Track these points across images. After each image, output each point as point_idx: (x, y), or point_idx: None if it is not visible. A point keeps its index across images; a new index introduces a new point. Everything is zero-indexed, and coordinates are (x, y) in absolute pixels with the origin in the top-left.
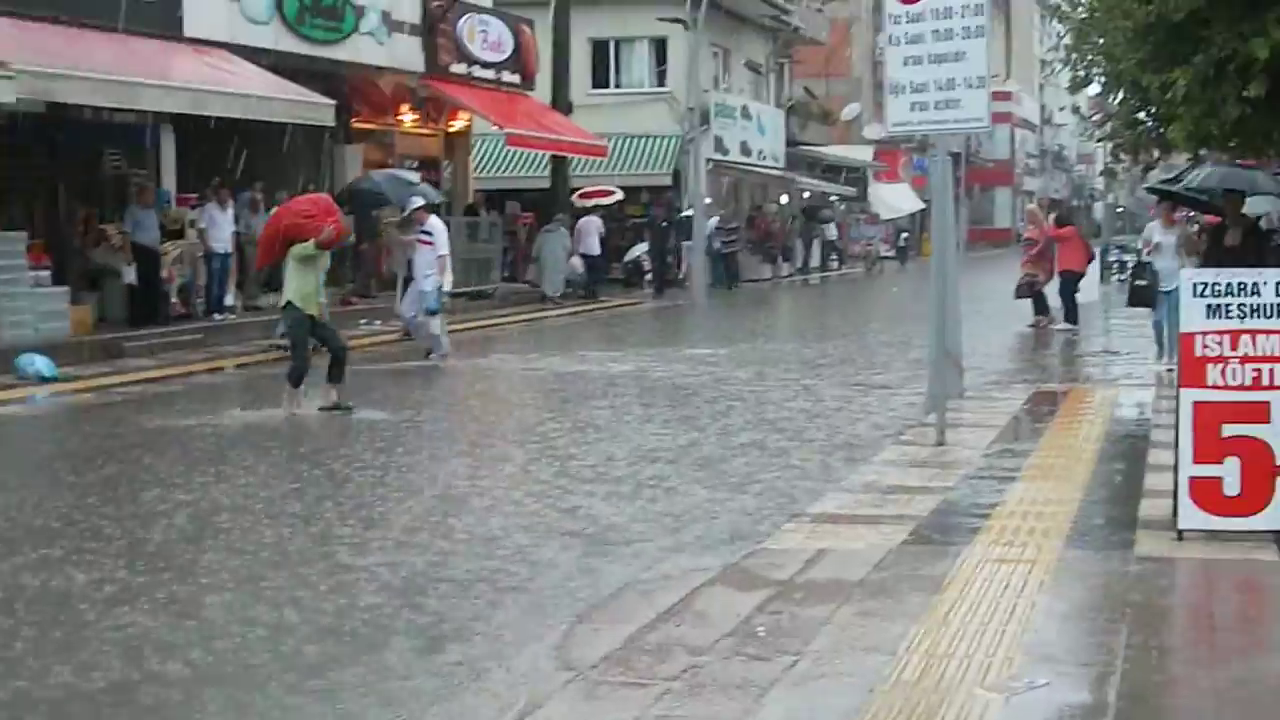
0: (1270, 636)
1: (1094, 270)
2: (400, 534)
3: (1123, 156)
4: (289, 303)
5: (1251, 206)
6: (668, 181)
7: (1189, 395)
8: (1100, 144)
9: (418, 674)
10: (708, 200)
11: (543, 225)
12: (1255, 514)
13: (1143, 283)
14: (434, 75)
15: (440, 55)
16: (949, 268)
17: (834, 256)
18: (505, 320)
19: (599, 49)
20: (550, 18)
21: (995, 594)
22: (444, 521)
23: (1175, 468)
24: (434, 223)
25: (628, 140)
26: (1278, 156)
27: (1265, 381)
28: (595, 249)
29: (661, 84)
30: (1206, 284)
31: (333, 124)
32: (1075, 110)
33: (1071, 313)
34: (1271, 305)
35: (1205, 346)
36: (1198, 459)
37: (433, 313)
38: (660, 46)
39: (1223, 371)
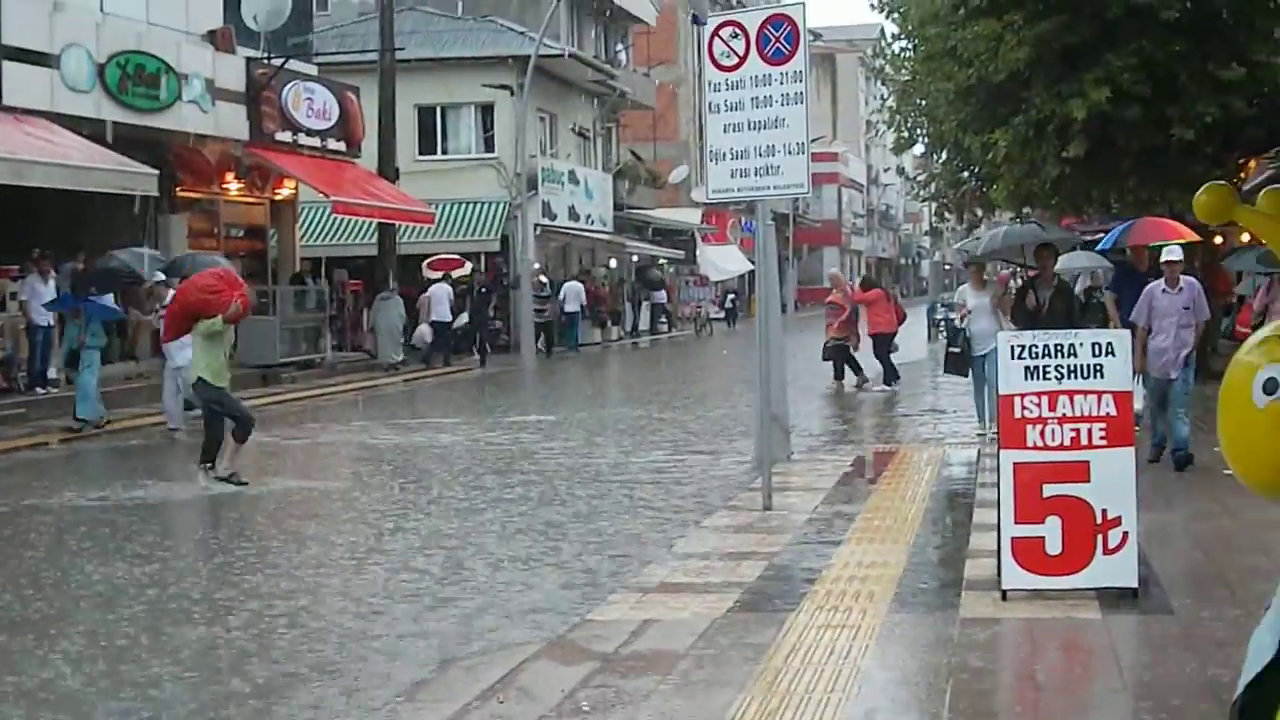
0: (1093, 696)
1: (920, 328)
2: (211, 614)
3: (947, 215)
4: (200, 379)
5: (1066, 263)
6: (496, 247)
7: (1009, 456)
8: (926, 203)
9: None
10: (535, 265)
11: (375, 294)
12: (1077, 572)
13: (957, 350)
14: (259, 143)
15: (265, 123)
16: (774, 332)
17: (664, 319)
18: (335, 389)
19: (425, 115)
20: (376, 85)
21: (821, 660)
22: (247, 603)
23: (998, 528)
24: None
25: (456, 206)
26: (1097, 215)
27: (1084, 441)
28: (446, 316)
29: (489, 150)
30: (1024, 346)
31: (156, 193)
32: (900, 171)
33: (890, 373)
34: (1087, 365)
35: (1024, 408)
36: (1019, 519)
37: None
38: (487, 112)
39: (1042, 432)
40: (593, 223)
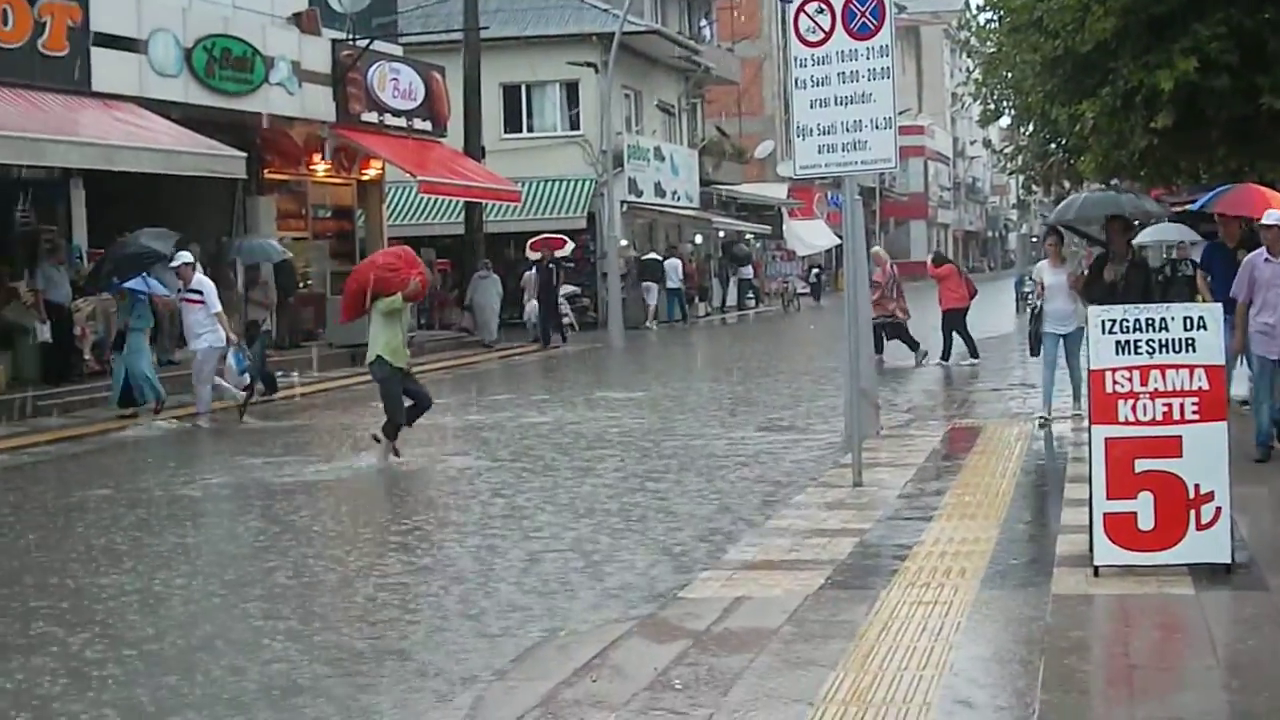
0: (1186, 673)
1: (1008, 302)
2: (304, 592)
3: (1035, 188)
4: (379, 357)
5: (1157, 235)
6: (582, 224)
7: (1101, 431)
8: (1012, 176)
9: None
10: (624, 242)
11: (473, 272)
12: (1169, 548)
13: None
14: (345, 124)
15: (351, 104)
16: (863, 308)
17: (750, 295)
18: (424, 368)
19: (510, 94)
20: (461, 64)
21: (913, 638)
22: (356, 574)
23: (1090, 504)
24: (201, 280)
25: (542, 184)
26: (1186, 185)
27: (1176, 416)
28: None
29: (574, 127)
30: (1115, 320)
31: (244, 176)
32: (987, 143)
33: (971, 347)
34: (1179, 340)
35: (1115, 383)
36: (1111, 495)
37: (244, 370)
38: (572, 90)
39: (1133, 407)
40: (679, 199)
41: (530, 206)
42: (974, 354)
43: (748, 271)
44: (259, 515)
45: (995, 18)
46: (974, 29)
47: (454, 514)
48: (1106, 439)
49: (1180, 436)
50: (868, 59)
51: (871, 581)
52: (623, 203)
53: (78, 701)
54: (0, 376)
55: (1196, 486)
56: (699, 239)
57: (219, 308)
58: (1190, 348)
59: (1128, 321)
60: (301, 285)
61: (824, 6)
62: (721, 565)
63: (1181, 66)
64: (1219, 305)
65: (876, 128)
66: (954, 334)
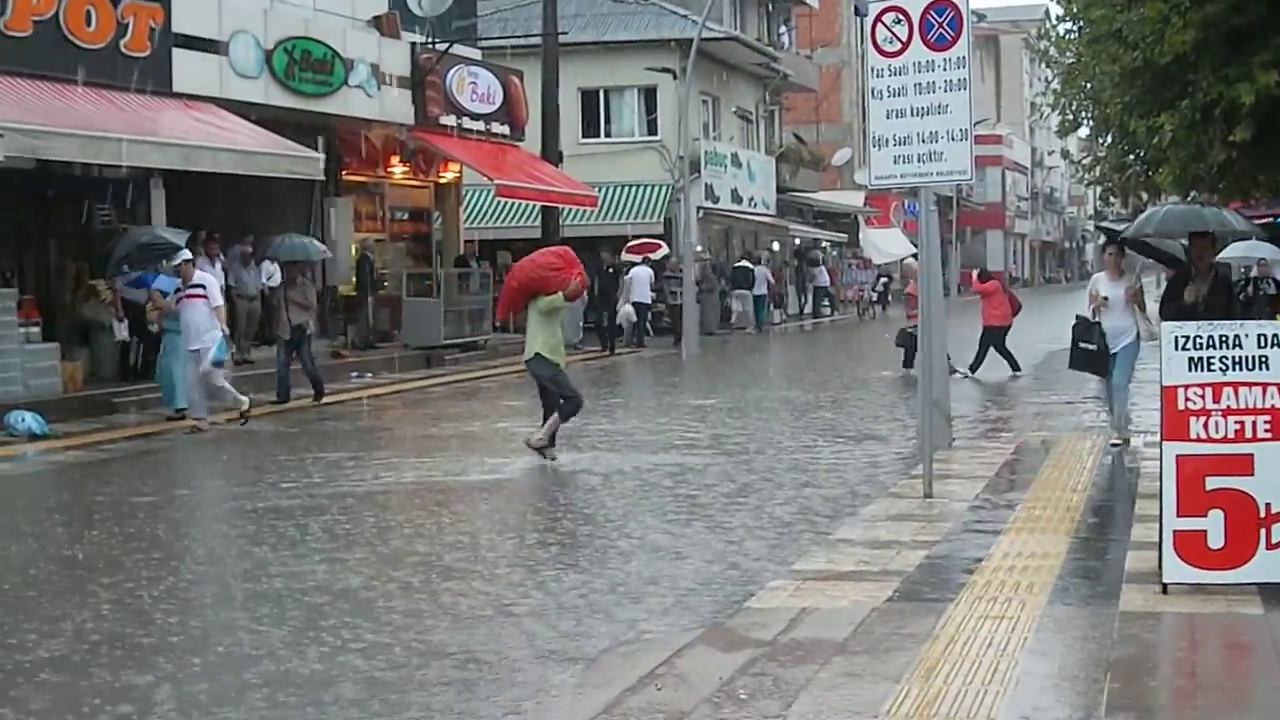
0: (1253, 694)
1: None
2: (364, 591)
3: (1112, 199)
4: (538, 354)
5: (1243, 252)
6: (659, 230)
7: (1172, 449)
8: (1090, 187)
9: None
10: (698, 247)
11: None
12: (1239, 567)
13: (1089, 346)
14: (423, 127)
15: (429, 107)
16: (937, 320)
17: (826, 302)
18: (496, 371)
19: (588, 98)
20: (540, 68)
21: (979, 652)
22: (416, 583)
23: (1160, 521)
24: (204, 276)
25: (618, 189)
26: (1265, 200)
27: (1248, 434)
28: (646, 298)
29: (652, 133)
30: (1188, 337)
31: (322, 177)
32: (1065, 154)
33: (1012, 363)
34: (1253, 357)
35: (1188, 400)
36: (1181, 512)
37: (219, 364)
38: (650, 95)
39: (1205, 424)
40: (755, 205)
41: (606, 211)
42: (1015, 368)
43: (823, 279)
44: (425, 516)
45: (1074, 28)
46: (1053, 39)
47: (529, 515)
48: (1177, 456)
49: (1252, 455)
50: (944, 70)
51: (939, 595)
52: (699, 209)
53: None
54: (78, 373)
55: (1268, 505)
56: (775, 246)
57: (220, 302)
58: (1264, 365)
59: (1201, 338)
60: (379, 287)
61: (901, 17)
62: (789, 575)
63: (1262, 80)
64: None
65: (952, 139)
66: (990, 349)
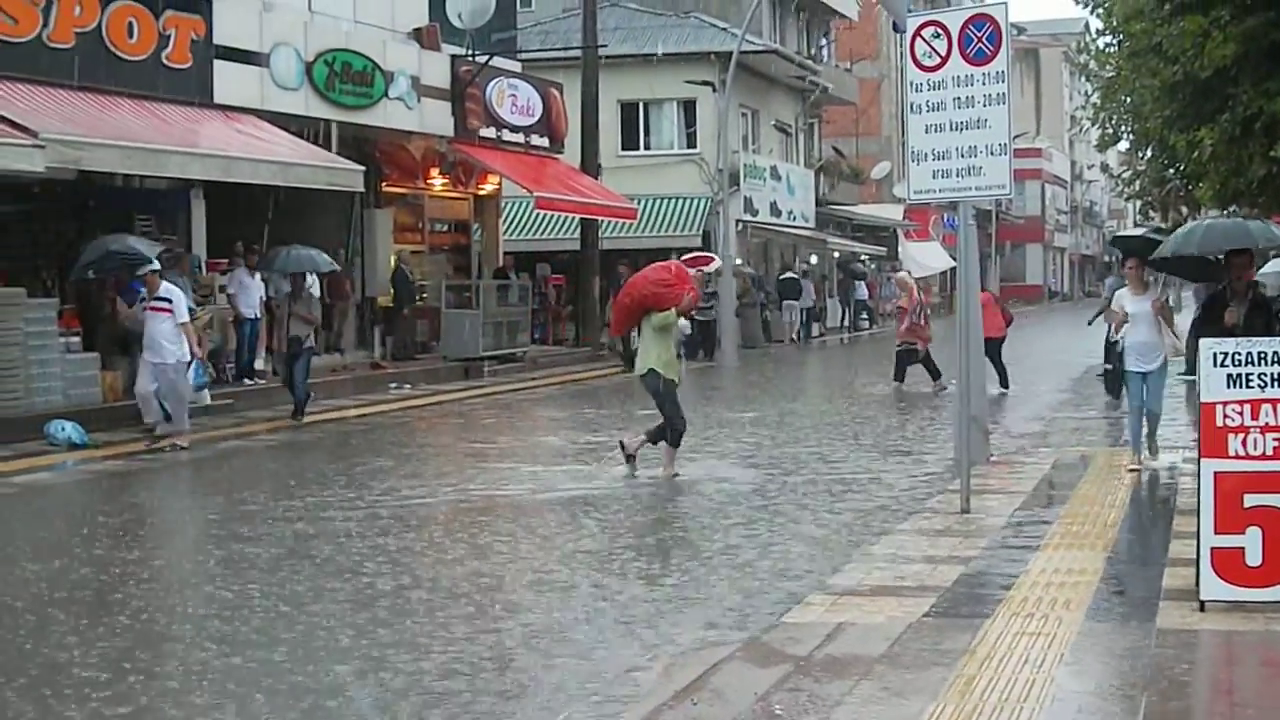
0: None
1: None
2: (400, 604)
3: (1152, 214)
4: (651, 370)
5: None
6: (698, 242)
7: (1210, 465)
8: (1130, 201)
9: None
10: (738, 260)
11: (610, 287)
12: (1277, 584)
13: (1112, 366)
14: (463, 139)
15: (469, 119)
16: (974, 335)
17: (865, 315)
18: (535, 384)
19: (628, 111)
20: (579, 81)
21: (1015, 669)
22: (444, 593)
23: (1198, 537)
24: (170, 289)
25: (657, 201)
26: None
27: None
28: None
29: (691, 145)
30: (1227, 354)
31: (362, 189)
32: (1104, 167)
33: (1003, 377)
34: None
35: (1226, 417)
36: (1219, 529)
37: (201, 388)
38: (689, 108)
39: (1244, 441)
40: (794, 218)
41: (646, 224)
42: (1004, 384)
43: (863, 292)
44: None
45: (1114, 42)
46: (1093, 53)
47: (569, 531)
48: (1215, 473)
49: None
50: (984, 85)
51: (975, 610)
52: (738, 222)
53: None
54: (117, 383)
55: None
56: (814, 259)
57: (187, 318)
58: None
59: (1240, 355)
60: (418, 298)
61: (940, 31)
62: (826, 590)
63: None
64: None
65: (991, 154)
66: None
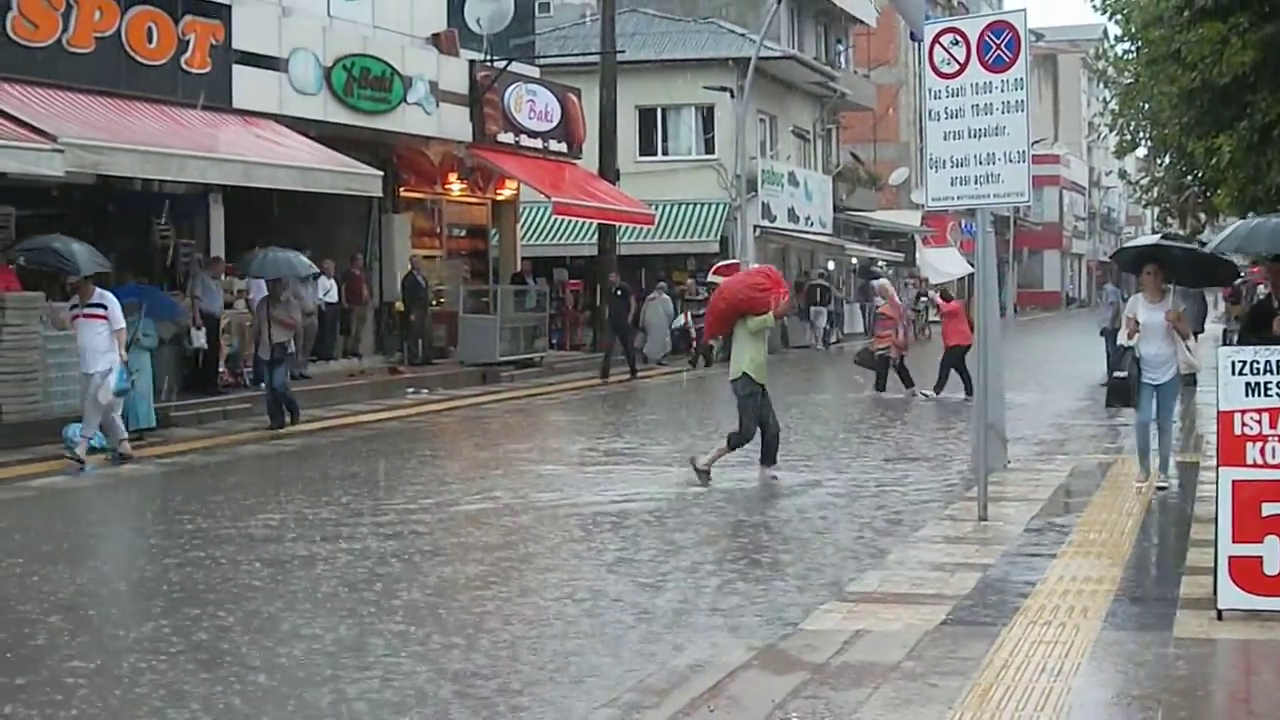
0: None
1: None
2: (433, 616)
3: (1170, 220)
4: (744, 374)
5: None
6: (715, 248)
7: (1228, 474)
8: (1148, 208)
9: None
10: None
11: (644, 294)
12: None
13: (1123, 375)
14: (481, 144)
15: (487, 125)
16: (992, 343)
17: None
18: (553, 389)
19: (646, 116)
20: (597, 86)
21: (1033, 677)
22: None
23: (1215, 546)
24: (105, 295)
25: (675, 207)
26: None
27: None
28: None
29: (709, 151)
30: (1245, 362)
31: (380, 194)
32: (1122, 174)
33: (968, 385)
34: None
35: (1244, 425)
36: (1237, 538)
37: (122, 394)
38: (707, 114)
39: (1262, 450)
40: (812, 224)
41: (663, 229)
42: (969, 391)
43: (879, 300)
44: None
45: (1133, 48)
46: (1111, 59)
47: (591, 536)
48: (1234, 481)
49: None
50: (1002, 92)
51: (993, 618)
52: (756, 227)
53: None
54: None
55: None
56: (831, 265)
57: (122, 324)
58: None
59: (1259, 363)
60: (435, 303)
61: (959, 38)
62: (843, 597)
63: None
64: None
65: (1010, 161)
66: (952, 370)
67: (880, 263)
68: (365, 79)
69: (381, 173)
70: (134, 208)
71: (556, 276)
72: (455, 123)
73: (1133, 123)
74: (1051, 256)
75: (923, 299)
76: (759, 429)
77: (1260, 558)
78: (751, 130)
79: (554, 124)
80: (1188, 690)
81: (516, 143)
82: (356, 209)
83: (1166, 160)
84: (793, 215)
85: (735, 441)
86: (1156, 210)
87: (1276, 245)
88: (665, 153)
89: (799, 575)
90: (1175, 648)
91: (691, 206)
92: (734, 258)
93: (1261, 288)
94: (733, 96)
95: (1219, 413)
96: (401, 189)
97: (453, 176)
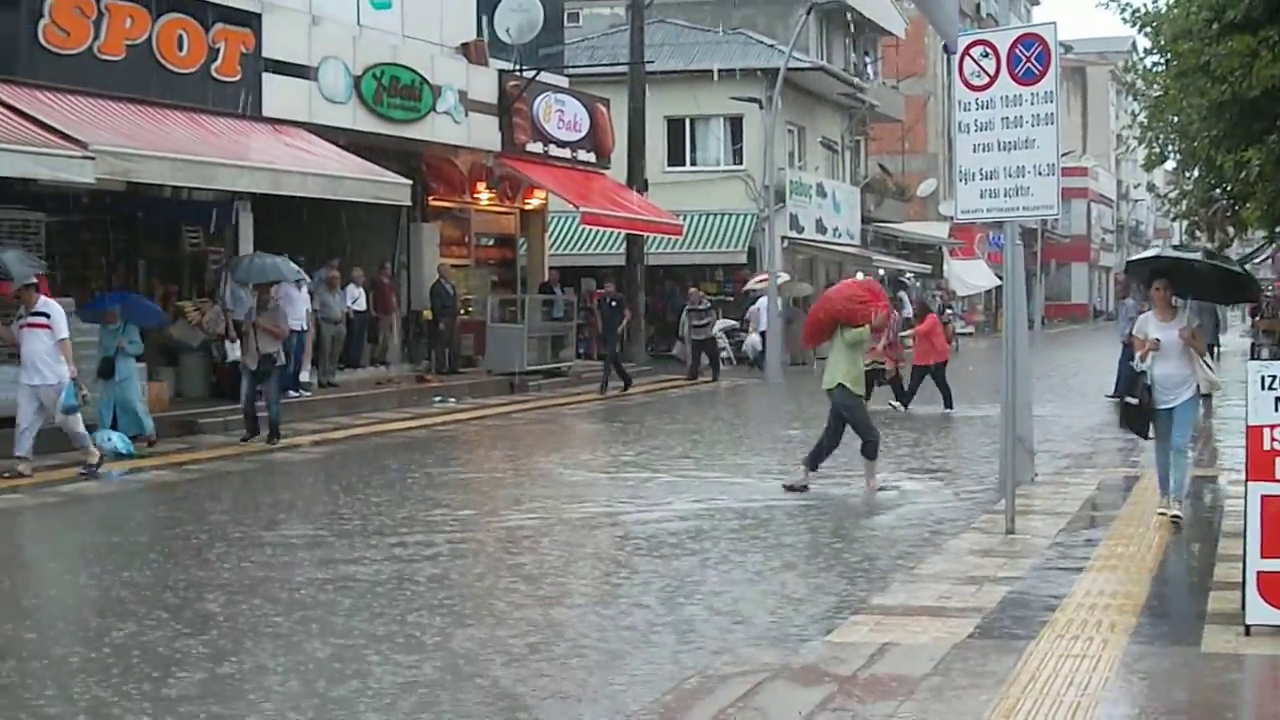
0: None
1: None
2: (479, 609)
3: (1199, 234)
4: (840, 384)
5: None
6: (743, 259)
7: (1257, 489)
8: (1176, 221)
9: None
10: (785, 276)
11: (684, 306)
12: None
13: (1135, 401)
14: (510, 154)
15: (516, 134)
16: (1020, 355)
17: (908, 333)
18: (579, 399)
19: (674, 127)
20: (626, 96)
21: (1060, 692)
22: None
23: (1244, 561)
24: (49, 303)
25: (703, 218)
26: None
27: None
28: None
29: (737, 162)
30: (1275, 376)
31: (409, 203)
32: (1150, 187)
33: (947, 398)
34: None
35: (1274, 440)
36: (1265, 553)
37: (71, 410)
38: (736, 124)
39: None
40: (840, 236)
41: (691, 240)
42: (948, 405)
43: (908, 309)
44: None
45: (1162, 61)
46: (1140, 72)
47: (628, 549)
48: (1263, 496)
49: None
50: (1032, 104)
51: (1020, 632)
52: (784, 238)
53: None
54: (164, 393)
55: None
56: (859, 277)
57: (66, 334)
58: None
59: None
60: (463, 312)
61: (989, 51)
62: (870, 610)
63: None
64: None
65: (1039, 174)
66: (927, 381)
67: (907, 275)
68: (395, 88)
69: (410, 181)
70: (163, 215)
71: (584, 286)
72: (484, 132)
73: (1161, 135)
74: (1079, 269)
75: (948, 310)
76: (831, 438)
77: None
78: (780, 141)
79: (583, 134)
80: (1215, 706)
81: (545, 152)
82: (385, 218)
83: (1195, 173)
84: (821, 226)
85: (869, 450)
86: (1185, 224)
87: None
88: (693, 163)
89: (825, 586)
90: (1203, 663)
91: (719, 217)
92: (763, 270)
93: None
94: (761, 107)
95: (1248, 427)
96: (430, 198)
97: (481, 186)
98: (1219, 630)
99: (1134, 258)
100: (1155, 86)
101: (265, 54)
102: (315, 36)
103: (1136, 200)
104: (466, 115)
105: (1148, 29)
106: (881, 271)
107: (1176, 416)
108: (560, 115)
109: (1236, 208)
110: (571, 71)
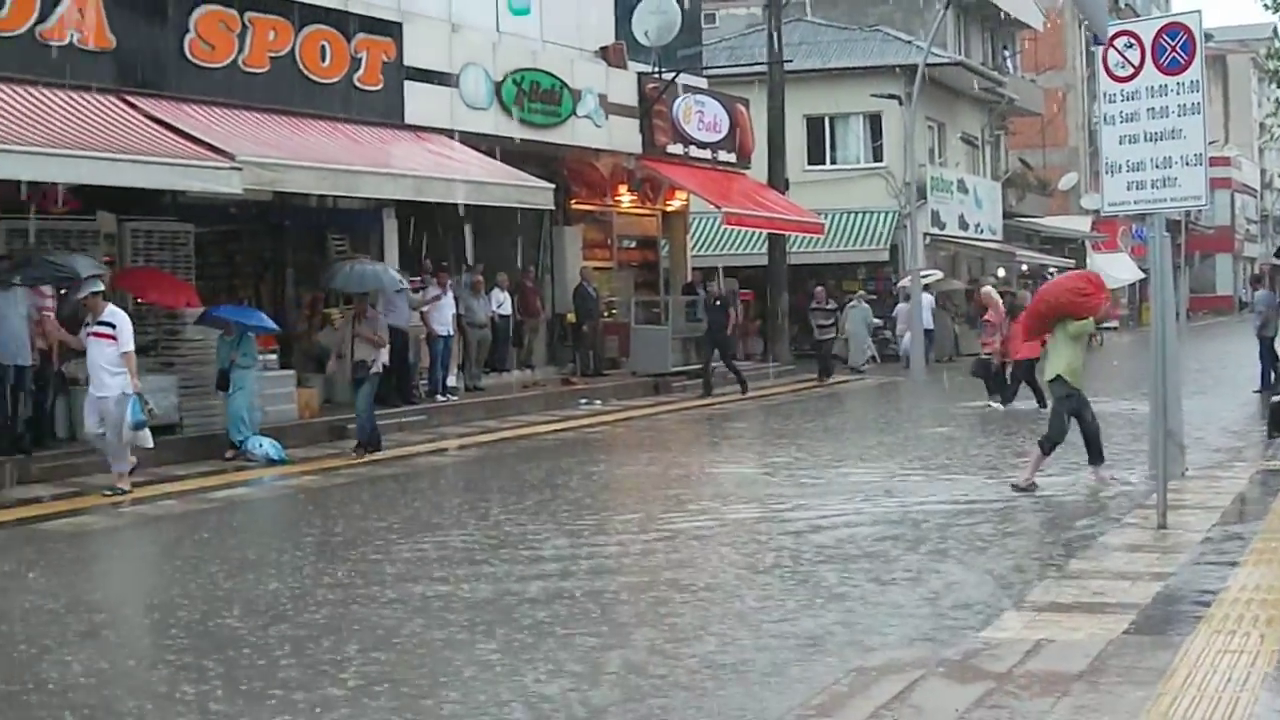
0: None
1: None
2: (610, 618)
3: None
4: (1059, 376)
5: None
6: (885, 257)
7: None
8: None
9: None
10: (933, 273)
11: (844, 301)
12: None
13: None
14: (651, 156)
15: (657, 136)
16: (1169, 347)
17: None
18: (723, 400)
19: (814, 126)
20: (765, 96)
21: (1218, 688)
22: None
23: None
24: (116, 313)
25: (844, 216)
26: None
27: None
28: (929, 323)
29: (877, 159)
30: None
31: (552, 207)
32: None
33: (1039, 396)
34: None
35: None
36: None
37: (140, 426)
38: (875, 122)
39: None
40: (982, 231)
41: (833, 238)
42: (1041, 403)
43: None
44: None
45: None
46: None
47: (775, 549)
48: None
49: None
50: (1178, 94)
51: (1175, 628)
52: (926, 235)
53: None
54: (313, 400)
55: None
56: (1001, 272)
57: (130, 347)
58: None
59: None
60: (606, 314)
61: (1133, 41)
62: (1024, 606)
63: None
64: None
65: (1186, 164)
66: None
67: (1051, 269)
68: (535, 93)
69: (553, 185)
70: (309, 223)
71: (726, 286)
72: (624, 135)
73: None
74: (1223, 260)
75: None
76: (1086, 434)
77: None
78: (920, 137)
79: (723, 134)
80: None
81: (685, 154)
82: (528, 222)
83: None
84: (963, 222)
85: (1047, 445)
86: None
87: None
88: (833, 161)
89: (977, 583)
90: None
91: (861, 215)
92: (908, 267)
93: None
94: (900, 104)
95: None
96: (572, 201)
97: (622, 188)
98: None
99: None
100: None
101: (406, 62)
102: (455, 44)
103: None
104: (607, 118)
105: None
106: (1025, 266)
107: None
108: (700, 116)
109: None
110: (710, 72)
